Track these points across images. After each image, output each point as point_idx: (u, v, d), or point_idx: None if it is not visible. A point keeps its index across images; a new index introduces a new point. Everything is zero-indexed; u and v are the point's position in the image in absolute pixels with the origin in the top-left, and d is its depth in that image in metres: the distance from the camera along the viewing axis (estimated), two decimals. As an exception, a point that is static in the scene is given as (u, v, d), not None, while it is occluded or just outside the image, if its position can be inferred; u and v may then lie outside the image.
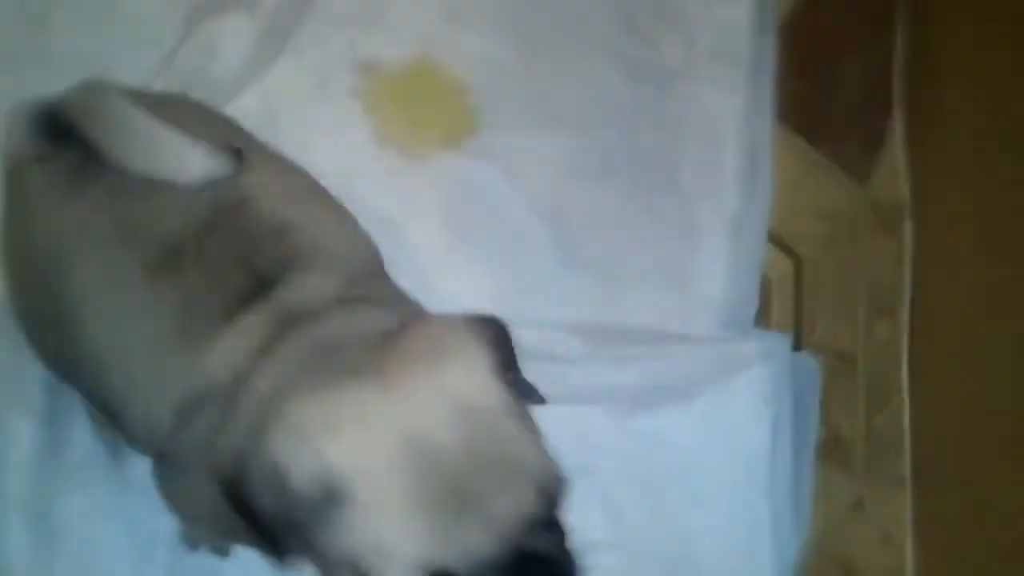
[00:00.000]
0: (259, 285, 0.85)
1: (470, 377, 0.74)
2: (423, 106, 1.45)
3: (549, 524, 0.73)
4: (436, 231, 1.40)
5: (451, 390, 0.72)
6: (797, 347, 1.48)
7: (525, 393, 0.79)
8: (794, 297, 1.54)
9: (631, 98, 1.57)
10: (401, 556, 0.67)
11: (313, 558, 0.74)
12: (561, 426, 1.26)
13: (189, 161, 0.89)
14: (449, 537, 0.67)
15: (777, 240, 1.55)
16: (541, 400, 0.83)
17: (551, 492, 0.72)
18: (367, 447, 0.69)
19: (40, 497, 1.14)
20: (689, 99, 1.59)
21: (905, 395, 1.47)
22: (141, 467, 1.15)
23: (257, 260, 0.87)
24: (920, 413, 1.46)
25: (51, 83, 0.94)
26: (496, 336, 0.79)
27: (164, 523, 1.15)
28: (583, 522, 1.23)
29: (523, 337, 1.30)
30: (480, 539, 0.68)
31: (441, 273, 1.38)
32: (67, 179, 0.90)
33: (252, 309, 0.83)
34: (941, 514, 1.40)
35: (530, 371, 1.29)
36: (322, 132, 1.31)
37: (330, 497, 0.68)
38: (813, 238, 1.57)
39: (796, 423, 1.37)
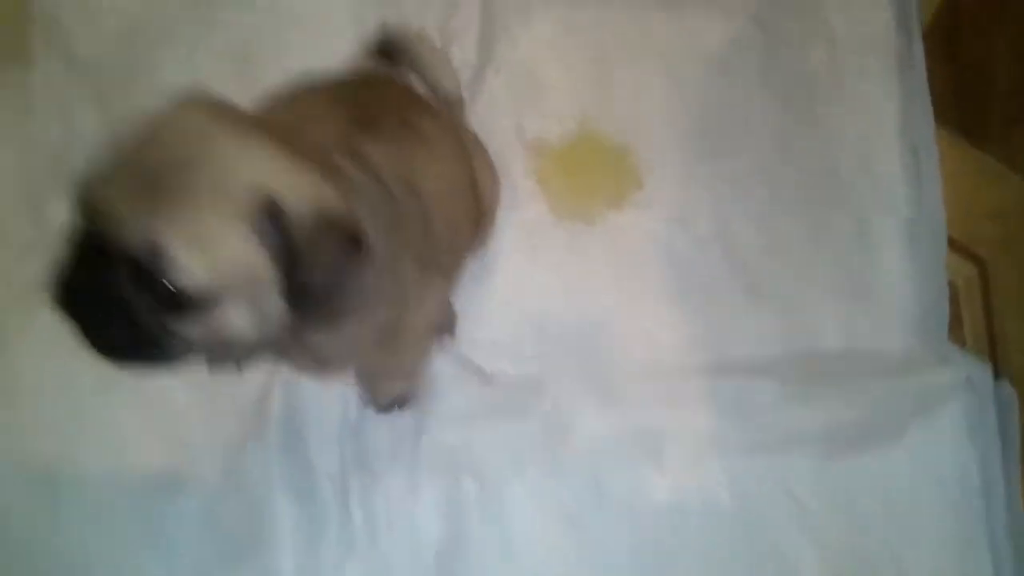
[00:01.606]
0: None
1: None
2: (589, 174, 1.55)
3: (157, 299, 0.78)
4: (617, 287, 1.48)
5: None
6: (991, 355, 1.47)
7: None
8: (983, 301, 1.53)
9: (783, 112, 1.61)
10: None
11: None
12: (766, 474, 1.36)
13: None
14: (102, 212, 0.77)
15: (957, 245, 1.55)
16: None
17: (148, 268, 0.77)
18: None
19: (306, 570, 1.30)
20: (841, 104, 1.62)
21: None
22: (396, 544, 1.32)
23: None
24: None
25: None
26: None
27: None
28: (795, 558, 1.32)
29: (722, 391, 1.40)
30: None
31: (630, 327, 1.46)
32: None
33: None
34: None
35: (731, 423, 1.37)
36: (504, 210, 1.43)
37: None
38: (991, 239, 1.55)
39: (1003, 449, 1.38)
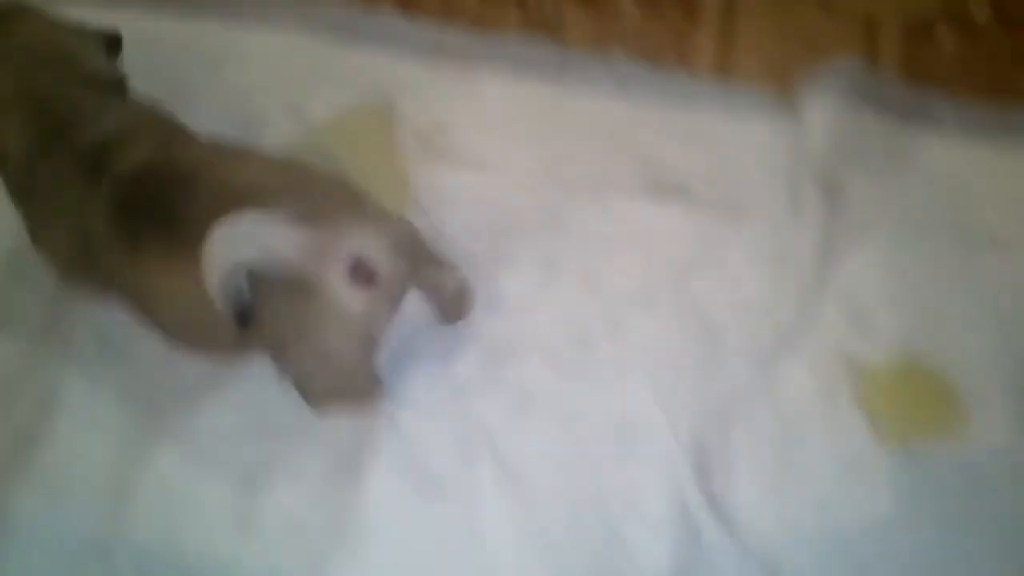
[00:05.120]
0: None
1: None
2: (916, 405, 1.57)
3: None
4: (936, 526, 1.48)
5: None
6: None
7: None
8: None
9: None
10: None
11: None
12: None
13: None
14: None
15: None
16: None
17: None
18: None
19: None
20: None
21: None
22: None
23: None
24: None
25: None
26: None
27: None
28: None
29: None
30: None
31: (950, 556, 1.45)
32: None
33: None
34: None
35: None
36: (822, 433, 1.48)
37: None
38: None
39: None
